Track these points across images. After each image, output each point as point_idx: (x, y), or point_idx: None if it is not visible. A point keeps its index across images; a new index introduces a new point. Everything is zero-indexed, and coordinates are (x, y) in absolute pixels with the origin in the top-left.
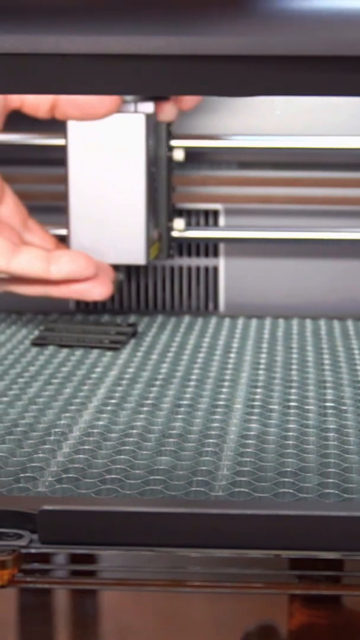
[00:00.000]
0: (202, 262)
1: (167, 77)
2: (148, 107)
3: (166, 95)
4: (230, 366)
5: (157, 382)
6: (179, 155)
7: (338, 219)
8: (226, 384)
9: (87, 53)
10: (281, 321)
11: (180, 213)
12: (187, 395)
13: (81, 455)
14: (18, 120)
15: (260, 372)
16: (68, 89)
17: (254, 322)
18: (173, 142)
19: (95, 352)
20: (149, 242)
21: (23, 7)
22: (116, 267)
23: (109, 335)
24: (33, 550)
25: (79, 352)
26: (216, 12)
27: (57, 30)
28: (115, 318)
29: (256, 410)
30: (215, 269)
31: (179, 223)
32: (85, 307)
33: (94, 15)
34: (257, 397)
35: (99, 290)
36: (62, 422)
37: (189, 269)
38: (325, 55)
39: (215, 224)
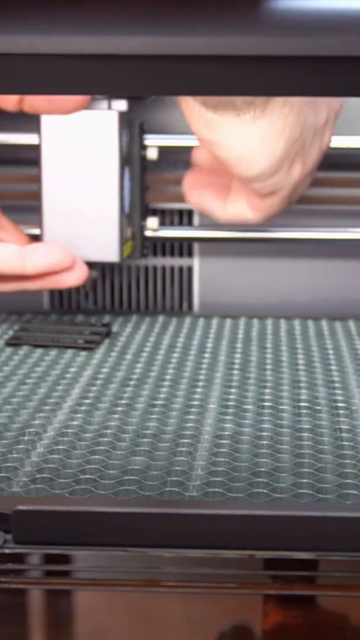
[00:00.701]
0: (177, 261)
1: (143, 77)
2: (121, 104)
3: (143, 95)
4: (204, 366)
5: (132, 382)
6: (152, 153)
7: (312, 219)
8: (200, 384)
9: (63, 53)
10: (255, 321)
11: (154, 212)
12: (162, 395)
13: (55, 456)
14: None
15: (235, 372)
16: (43, 89)
17: (228, 322)
18: (147, 141)
19: (69, 352)
20: (123, 240)
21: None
22: (90, 266)
23: (83, 335)
24: (7, 551)
25: (53, 352)
26: (194, 12)
27: (31, 30)
28: (89, 318)
29: (230, 410)
30: (190, 269)
31: (152, 222)
32: (60, 307)
33: (69, 14)
34: (232, 397)
35: (74, 277)
36: (37, 422)
37: (164, 268)
38: (306, 55)
39: (190, 223)
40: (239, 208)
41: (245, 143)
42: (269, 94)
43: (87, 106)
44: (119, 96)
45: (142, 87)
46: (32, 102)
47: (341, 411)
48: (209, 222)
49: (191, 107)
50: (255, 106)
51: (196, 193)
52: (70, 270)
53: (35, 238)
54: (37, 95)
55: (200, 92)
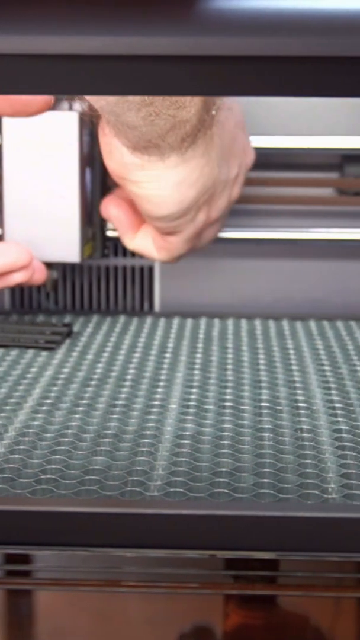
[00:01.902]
0: (137, 262)
1: (106, 78)
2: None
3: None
4: (165, 366)
5: (93, 382)
6: None
7: (274, 219)
8: (161, 384)
9: (25, 53)
10: (216, 321)
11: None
12: (123, 395)
13: (16, 455)
14: None
15: (196, 372)
16: (4, 89)
17: (189, 322)
18: None
19: (30, 352)
20: (83, 241)
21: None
22: (50, 265)
23: (44, 335)
24: None
25: (14, 352)
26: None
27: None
28: (50, 318)
29: (191, 410)
30: (151, 269)
31: None
32: (21, 307)
33: (33, 14)
34: (193, 397)
35: (31, 277)
36: None
37: (124, 268)
38: (297, 55)
39: None
40: (145, 244)
41: (160, 185)
42: (217, 94)
43: (50, 109)
44: (80, 97)
45: (99, 87)
46: None
47: (302, 411)
48: None
49: (113, 145)
50: (180, 149)
51: (113, 211)
52: (27, 269)
53: None
54: (0, 99)
55: (154, 92)
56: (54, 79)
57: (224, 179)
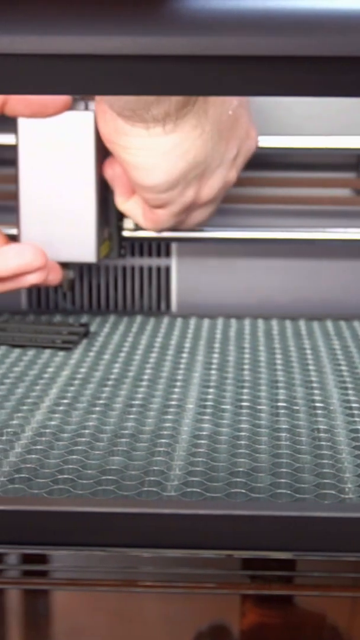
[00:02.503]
0: (154, 261)
1: (121, 77)
2: None
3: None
4: (182, 366)
5: (109, 382)
6: None
7: (289, 219)
8: (178, 384)
9: (41, 53)
10: (233, 321)
11: None
12: (140, 395)
13: (33, 455)
14: None
15: (213, 372)
16: (19, 89)
17: (206, 322)
18: None
19: (47, 352)
20: (100, 241)
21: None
22: (67, 266)
23: (61, 335)
24: None
25: (31, 352)
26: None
27: (10, 30)
28: (67, 318)
29: (208, 410)
30: (168, 269)
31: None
32: (38, 307)
33: (48, 14)
34: (210, 397)
35: (53, 277)
36: (15, 422)
37: (141, 268)
38: (301, 55)
39: None
40: (135, 209)
41: (149, 153)
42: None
43: (67, 109)
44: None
45: (119, 87)
46: (13, 106)
47: (319, 411)
48: None
49: (104, 111)
50: (165, 122)
51: (109, 171)
52: (42, 270)
53: (13, 238)
54: (18, 100)
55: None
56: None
57: (220, 157)
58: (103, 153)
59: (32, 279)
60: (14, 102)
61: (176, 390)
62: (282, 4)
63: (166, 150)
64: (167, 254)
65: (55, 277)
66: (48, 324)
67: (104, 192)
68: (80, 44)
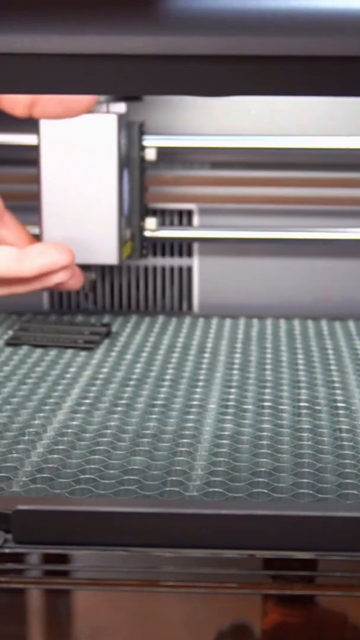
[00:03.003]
0: (176, 262)
1: (142, 77)
2: (120, 107)
3: (140, 95)
4: (204, 366)
5: (131, 382)
6: (150, 154)
7: (311, 219)
8: (200, 384)
9: (64, 53)
10: (255, 321)
11: (154, 213)
12: (161, 395)
13: (55, 455)
14: None
15: (235, 372)
16: (43, 88)
17: (228, 322)
18: (145, 142)
19: (69, 352)
20: (121, 242)
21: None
22: (89, 267)
23: (83, 335)
24: (7, 550)
25: (53, 352)
26: (191, 12)
27: (33, 30)
28: (89, 318)
29: (230, 410)
30: (189, 269)
31: (150, 222)
32: (60, 307)
33: (70, 15)
34: (231, 397)
35: (74, 281)
36: (36, 422)
37: (163, 268)
38: (306, 55)
39: (190, 223)
40: None
41: None
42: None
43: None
44: (117, 99)
45: (140, 86)
46: (44, 106)
47: (341, 411)
48: (209, 223)
49: None
50: None
51: None
52: (67, 270)
53: (36, 238)
54: (49, 100)
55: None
56: (98, 78)
57: None
58: (124, 155)
59: (57, 278)
60: (45, 103)
61: (198, 390)
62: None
63: None
64: (189, 254)
65: (76, 282)
66: (70, 324)
67: (125, 193)
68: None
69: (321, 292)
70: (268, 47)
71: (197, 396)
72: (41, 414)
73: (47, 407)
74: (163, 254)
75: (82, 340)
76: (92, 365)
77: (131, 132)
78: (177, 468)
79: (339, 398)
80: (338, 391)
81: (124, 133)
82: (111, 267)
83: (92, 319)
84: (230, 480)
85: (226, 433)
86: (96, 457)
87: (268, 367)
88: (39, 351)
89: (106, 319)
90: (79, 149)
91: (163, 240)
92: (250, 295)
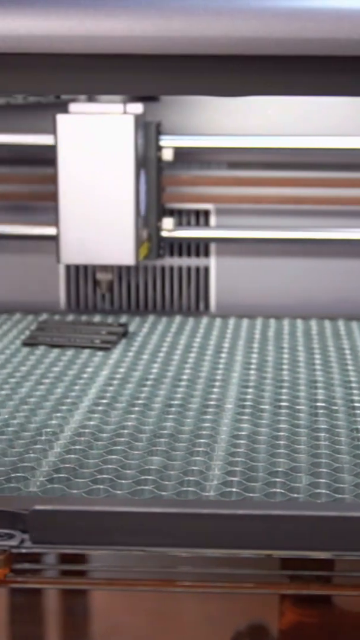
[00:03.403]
0: (193, 262)
1: (159, 77)
2: (137, 107)
3: (157, 95)
4: (221, 366)
5: (148, 382)
6: (167, 154)
7: (329, 219)
8: (217, 384)
9: (82, 53)
10: (272, 321)
11: (171, 213)
12: (178, 395)
13: (72, 455)
14: (6, 119)
15: (252, 372)
16: (64, 88)
17: (245, 322)
18: (162, 142)
19: (86, 352)
20: (138, 242)
21: (17, 8)
22: (106, 268)
23: (100, 335)
24: (24, 550)
25: (70, 352)
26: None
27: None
28: (106, 318)
29: (247, 410)
30: (207, 269)
31: (167, 223)
32: (76, 307)
33: (88, 15)
34: (248, 397)
35: None
36: (54, 422)
37: (180, 268)
38: (322, 55)
39: (207, 223)
40: None
41: None
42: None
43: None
44: (134, 99)
45: (157, 86)
46: None
47: (358, 411)
48: (226, 223)
49: None
50: None
51: None
52: None
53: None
54: None
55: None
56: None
57: None
58: (141, 156)
59: None
60: None
61: (215, 390)
62: None
63: None
64: (206, 254)
65: None
66: (87, 324)
67: (142, 194)
68: None
69: (338, 292)
70: (285, 47)
71: (214, 396)
72: (58, 414)
73: (64, 407)
74: (180, 254)
75: (99, 340)
76: (109, 365)
77: (148, 132)
78: (194, 468)
79: (356, 398)
80: (355, 391)
81: (141, 133)
82: (128, 268)
83: (109, 319)
84: (247, 480)
85: (243, 433)
86: (113, 457)
87: (285, 367)
88: (55, 351)
89: (123, 319)
90: (96, 149)
91: (180, 241)
92: (267, 295)
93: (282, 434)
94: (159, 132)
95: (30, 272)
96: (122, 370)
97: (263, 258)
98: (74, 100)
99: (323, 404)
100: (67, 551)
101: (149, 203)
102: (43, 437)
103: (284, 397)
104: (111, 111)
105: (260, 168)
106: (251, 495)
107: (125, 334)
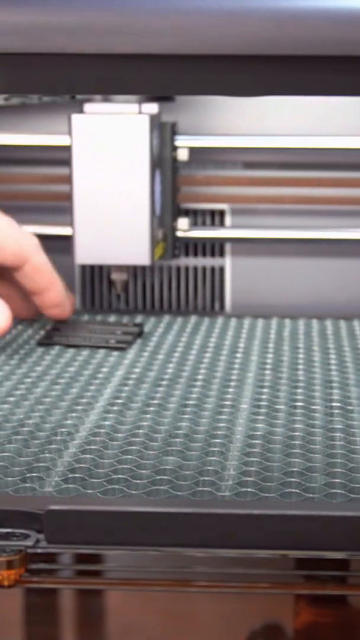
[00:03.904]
0: (208, 262)
1: (174, 77)
2: (152, 107)
3: (171, 95)
4: (236, 366)
5: (164, 382)
6: (183, 154)
7: (344, 219)
8: (232, 384)
9: (95, 53)
10: (287, 321)
11: (186, 213)
12: (194, 395)
13: (88, 455)
14: (22, 119)
15: (267, 372)
16: (77, 88)
17: (260, 322)
18: (177, 142)
19: (101, 352)
20: (154, 243)
21: (30, 8)
22: (121, 267)
23: (115, 335)
24: (39, 550)
25: (85, 352)
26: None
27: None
28: (121, 318)
29: (262, 410)
30: (222, 269)
31: (183, 223)
32: (91, 307)
33: (103, 14)
34: (264, 397)
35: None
36: (69, 422)
37: (195, 268)
38: (331, 55)
39: (222, 223)
40: None
41: None
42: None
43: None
44: (149, 99)
45: (170, 86)
46: None
47: None
48: (241, 223)
49: None
50: None
51: None
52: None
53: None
54: None
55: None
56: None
57: None
58: (156, 156)
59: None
60: None
61: (230, 390)
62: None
63: None
64: (221, 254)
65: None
66: (102, 324)
67: (158, 194)
68: None
69: (353, 292)
70: (301, 46)
71: (229, 396)
72: (73, 414)
73: (79, 407)
74: (195, 254)
75: (114, 340)
76: (125, 365)
77: (163, 132)
78: (209, 468)
79: None
80: None
81: (156, 133)
82: (143, 268)
83: (124, 318)
84: (262, 480)
85: (258, 433)
86: (128, 457)
87: (300, 367)
88: (71, 351)
89: (138, 319)
90: (111, 149)
91: (195, 241)
92: (282, 296)
93: (297, 434)
94: (174, 132)
95: None
96: (137, 370)
97: (278, 258)
98: (89, 101)
99: (338, 404)
100: (82, 551)
101: (164, 203)
102: (58, 437)
103: (299, 397)
104: (126, 111)
105: (275, 168)
106: (266, 495)
107: (140, 334)
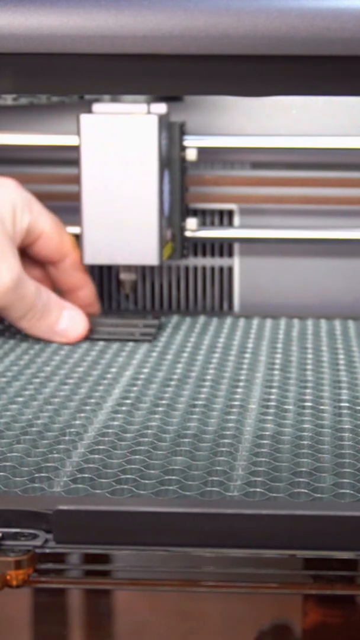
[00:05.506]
0: (217, 262)
1: (183, 77)
2: (160, 107)
3: (179, 95)
4: (245, 366)
5: (172, 382)
6: (191, 155)
7: (353, 219)
8: (241, 384)
9: (104, 53)
10: (296, 321)
11: (194, 213)
12: (202, 396)
13: (96, 455)
14: (30, 120)
15: (275, 372)
16: (86, 88)
17: (268, 322)
18: (186, 142)
19: (110, 352)
20: (162, 243)
21: (39, 8)
22: (129, 267)
23: (138, 329)
24: (48, 550)
25: (93, 353)
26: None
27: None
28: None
29: (271, 411)
30: (230, 269)
31: (191, 223)
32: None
33: (110, 14)
34: (272, 397)
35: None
36: (77, 422)
37: (204, 268)
38: (340, 55)
39: (230, 223)
40: None
41: None
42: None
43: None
44: (158, 99)
45: (178, 86)
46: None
47: None
48: (250, 223)
49: None
50: None
51: None
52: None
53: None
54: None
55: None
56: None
57: None
58: (165, 156)
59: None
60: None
61: (239, 390)
62: None
63: None
64: (230, 254)
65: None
66: (123, 318)
67: (166, 194)
68: None
69: None
70: (309, 47)
71: (238, 396)
72: (82, 414)
73: (88, 408)
74: (204, 254)
75: (138, 333)
76: (133, 365)
77: (172, 132)
78: (218, 468)
79: None
80: None
81: (165, 133)
82: (152, 268)
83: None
84: (270, 480)
85: (267, 433)
86: (137, 457)
87: (309, 367)
88: (79, 351)
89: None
90: (119, 149)
91: (204, 241)
92: (291, 296)
93: (306, 434)
94: (182, 132)
95: None
96: (146, 370)
97: (287, 258)
98: (97, 101)
99: (347, 404)
100: (90, 551)
101: (172, 203)
102: (67, 437)
103: (308, 397)
104: (135, 111)
105: (284, 168)
106: (275, 495)
107: (161, 327)
